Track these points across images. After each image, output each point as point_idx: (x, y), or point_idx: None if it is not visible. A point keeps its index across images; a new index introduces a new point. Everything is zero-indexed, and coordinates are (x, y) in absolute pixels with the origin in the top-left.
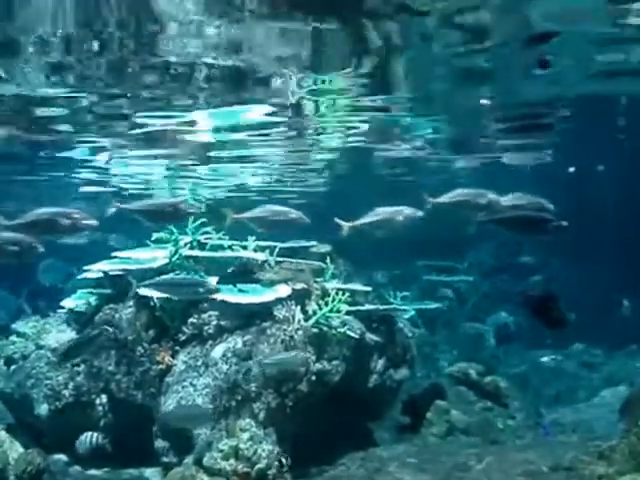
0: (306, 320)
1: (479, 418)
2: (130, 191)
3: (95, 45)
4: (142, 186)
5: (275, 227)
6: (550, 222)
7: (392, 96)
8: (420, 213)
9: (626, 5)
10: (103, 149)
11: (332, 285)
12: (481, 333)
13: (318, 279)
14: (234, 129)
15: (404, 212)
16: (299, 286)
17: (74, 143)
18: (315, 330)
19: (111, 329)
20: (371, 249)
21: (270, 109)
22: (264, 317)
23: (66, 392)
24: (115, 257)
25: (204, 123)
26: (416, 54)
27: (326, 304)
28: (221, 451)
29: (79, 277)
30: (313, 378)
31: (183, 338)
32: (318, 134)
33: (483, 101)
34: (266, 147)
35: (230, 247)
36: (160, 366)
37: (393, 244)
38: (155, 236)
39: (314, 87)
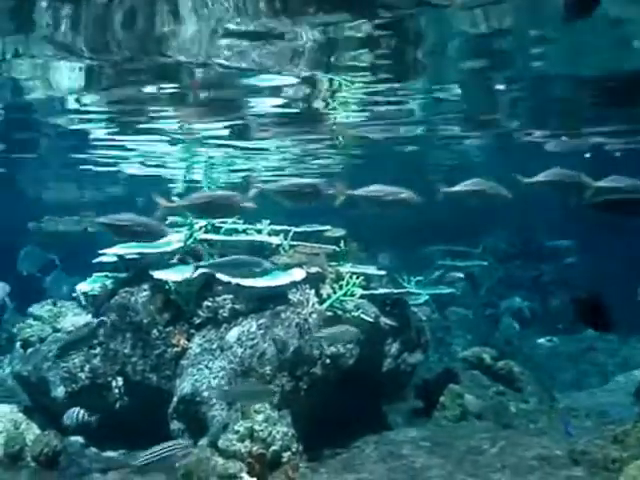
0: (320, 304)
1: (493, 402)
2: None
3: None
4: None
5: (386, 207)
6: None
7: None
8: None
9: None
10: None
11: (346, 269)
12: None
13: (332, 263)
14: None
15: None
16: (313, 270)
17: None
18: (329, 313)
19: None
20: (385, 233)
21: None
22: (279, 300)
23: (82, 375)
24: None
25: None
26: None
27: (340, 288)
28: (236, 432)
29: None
30: (327, 361)
31: (198, 321)
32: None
33: None
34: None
35: (244, 231)
36: (175, 349)
37: (407, 228)
38: (170, 219)
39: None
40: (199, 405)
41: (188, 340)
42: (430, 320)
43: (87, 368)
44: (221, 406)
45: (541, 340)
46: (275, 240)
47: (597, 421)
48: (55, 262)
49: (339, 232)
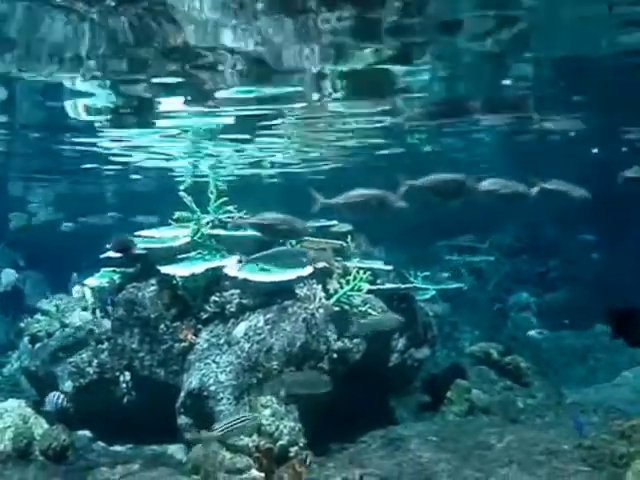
0: (327, 298)
1: (500, 397)
2: None
3: None
4: None
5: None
6: None
7: None
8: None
9: None
10: None
11: (353, 264)
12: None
13: (339, 258)
14: None
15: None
16: (320, 265)
17: None
18: (336, 308)
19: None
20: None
21: None
22: (286, 295)
23: (90, 369)
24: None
25: None
26: None
27: (347, 283)
28: None
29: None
30: (334, 356)
31: (205, 316)
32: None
33: None
34: None
35: None
36: (183, 344)
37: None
38: (177, 215)
39: None
40: (206, 400)
41: (195, 335)
42: (439, 317)
43: (95, 363)
44: (228, 400)
45: (532, 332)
46: None
47: (604, 416)
48: (18, 263)
49: (346, 227)
